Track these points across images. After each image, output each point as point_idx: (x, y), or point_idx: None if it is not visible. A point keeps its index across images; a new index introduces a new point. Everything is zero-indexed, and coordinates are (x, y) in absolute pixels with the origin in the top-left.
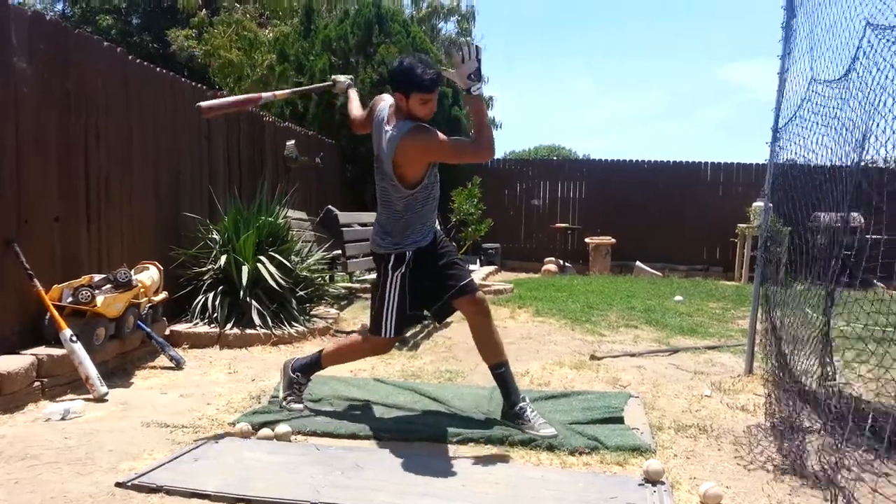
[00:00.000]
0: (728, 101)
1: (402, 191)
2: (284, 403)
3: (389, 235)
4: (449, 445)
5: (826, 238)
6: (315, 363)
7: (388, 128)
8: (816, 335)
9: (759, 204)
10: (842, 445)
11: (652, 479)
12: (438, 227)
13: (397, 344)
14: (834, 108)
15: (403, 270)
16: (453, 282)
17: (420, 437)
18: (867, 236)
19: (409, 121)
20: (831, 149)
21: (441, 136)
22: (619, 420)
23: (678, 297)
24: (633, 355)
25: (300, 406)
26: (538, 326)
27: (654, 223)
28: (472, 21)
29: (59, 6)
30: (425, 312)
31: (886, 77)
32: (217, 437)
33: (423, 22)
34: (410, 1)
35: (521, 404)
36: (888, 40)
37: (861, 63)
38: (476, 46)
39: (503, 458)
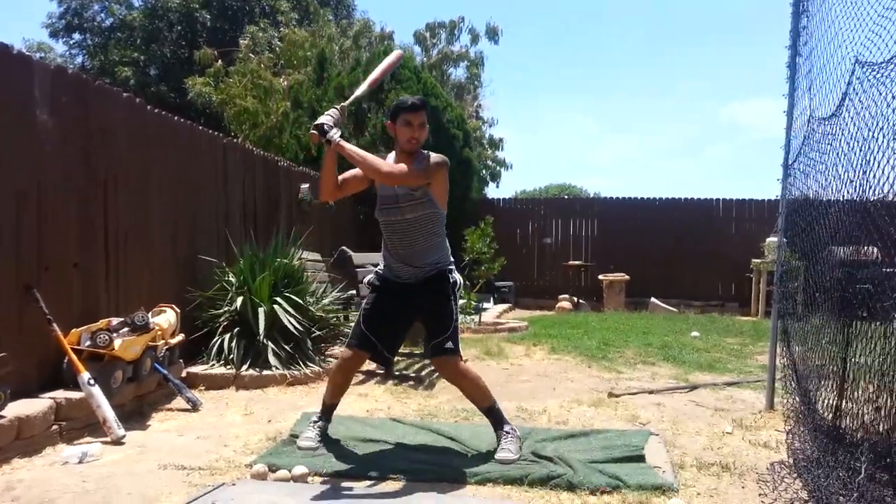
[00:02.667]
0: (733, 139)
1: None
2: (299, 442)
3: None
4: (467, 486)
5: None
6: (323, 399)
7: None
8: (835, 369)
9: (772, 239)
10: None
11: None
12: (454, 277)
13: (412, 383)
14: (828, 144)
15: (370, 288)
16: (428, 335)
17: (438, 477)
18: (885, 270)
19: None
20: (823, 184)
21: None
22: (641, 458)
23: (695, 333)
24: (651, 392)
25: (312, 444)
26: (554, 364)
27: (667, 260)
28: (481, 66)
29: (80, 59)
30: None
31: (878, 113)
32: (234, 480)
33: (434, 68)
34: (421, 48)
35: (507, 429)
36: (877, 77)
37: (850, 99)
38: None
39: (523, 499)
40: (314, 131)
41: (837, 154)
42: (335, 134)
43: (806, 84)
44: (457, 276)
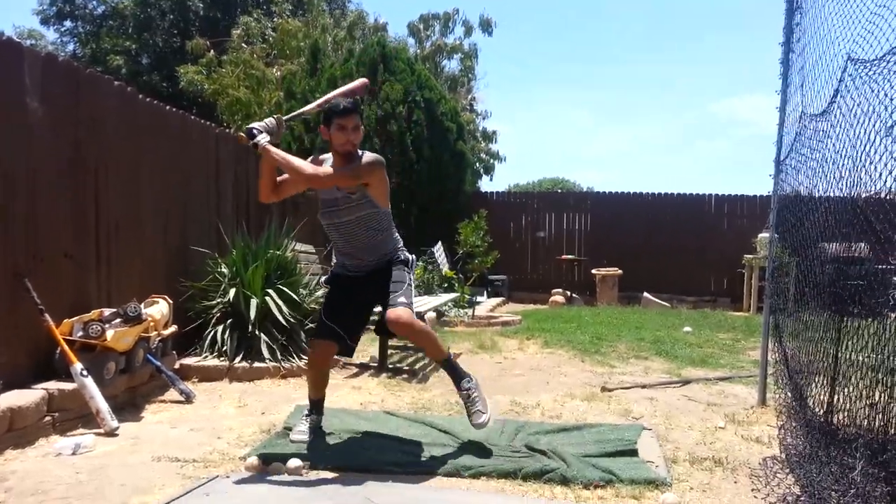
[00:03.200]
0: (726, 134)
1: None
2: (291, 435)
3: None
4: (461, 479)
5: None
6: (309, 396)
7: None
8: (827, 365)
9: (764, 235)
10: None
11: None
12: (404, 255)
13: (405, 376)
14: (819, 141)
15: (329, 283)
16: (383, 307)
17: (432, 470)
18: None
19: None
20: (813, 181)
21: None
22: (634, 453)
23: (687, 328)
24: (644, 387)
25: (304, 437)
26: (547, 358)
27: (660, 254)
28: (475, 59)
29: (71, 47)
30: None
31: (870, 109)
32: (228, 472)
33: (428, 60)
34: (415, 40)
35: (466, 385)
36: (869, 74)
37: (842, 96)
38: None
39: (516, 492)
40: (242, 133)
41: (828, 151)
42: (262, 139)
43: (798, 80)
44: (407, 255)
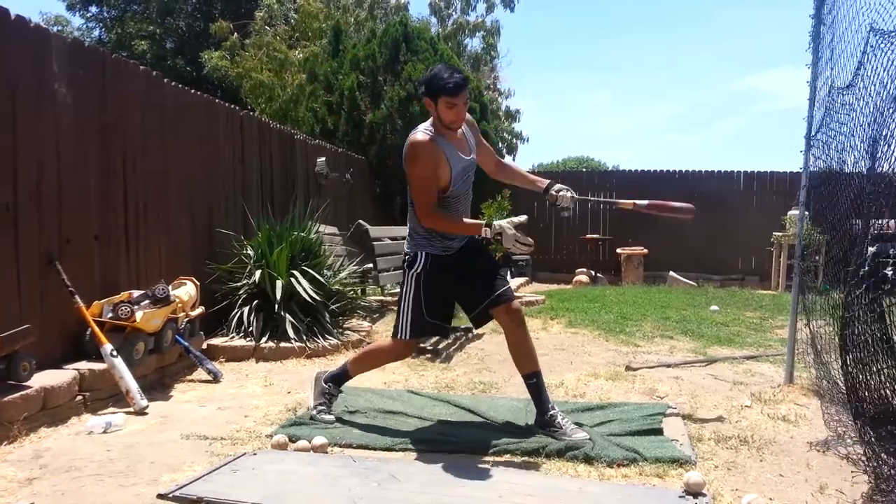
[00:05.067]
0: (749, 110)
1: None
2: (315, 414)
3: (411, 238)
4: (485, 457)
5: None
6: (344, 373)
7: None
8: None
9: (794, 212)
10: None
11: (693, 491)
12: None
13: (429, 356)
14: (846, 115)
15: (419, 271)
16: (489, 291)
17: (456, 448)
18: None
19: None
20: (842, 156)
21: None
22: (658, 431)
23: (714, 307)
24: (669, 366)
25: (330, 417)
26: (571, 337)
27: (686, 233)
28: (497, 36)
29: (97, 32)
30: (461, 324)
31: (889, 82)
32: (255, 450)
33: (450, 39)
34: (437, 19)
35: (552, 412)
36: (891, 45)
37: (864, 68)
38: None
39: (540, 470)
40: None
41: (854, 125)
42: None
43: (828, 54)
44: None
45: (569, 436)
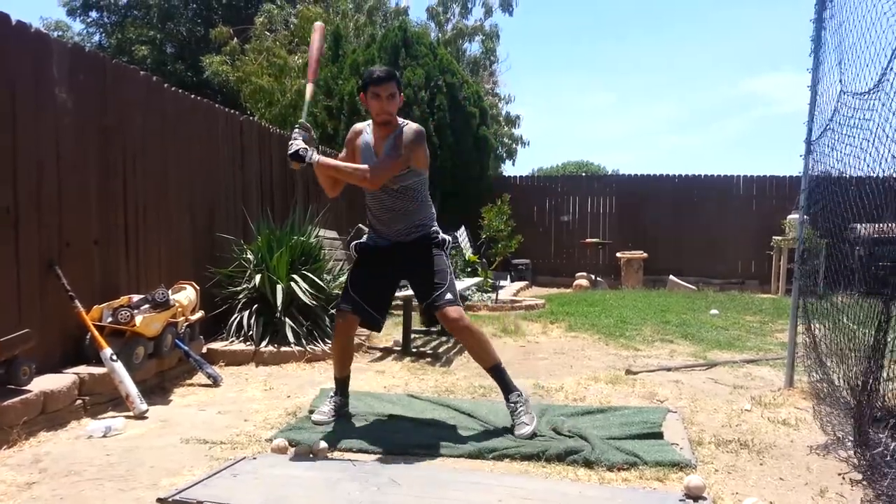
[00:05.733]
0: (749, 114)
1: None
2: (313, 416)
3: None
4: (485, 461)
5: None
6: (334, 376)
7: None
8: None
9: (794, 216)
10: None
11: (693, 495)
12: (441, 236)
13: (429, 360)
14: (865, 119)
15: (355, 256)
16: (423, 298)
17: (456, 453)
18: None
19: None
20: (863, 160)
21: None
22: (658, 435)
23: (714, 311)
24: (669, 370)
25: (324, 418)
26: (571, 341)
27: (686, 237)
28: (497, 40)
29: (97, 38)
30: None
31: None
32: (255, 454)
33: (449, 44)
34: (435, 24)
35: (514, 399)
36: None
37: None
38: (296, 130)
39: (540, 474)
40: (293, 160)
41: (874, 130)
42: (312, 155)
43: (835, 58)
44: (442, 235)
45: (518, 418)
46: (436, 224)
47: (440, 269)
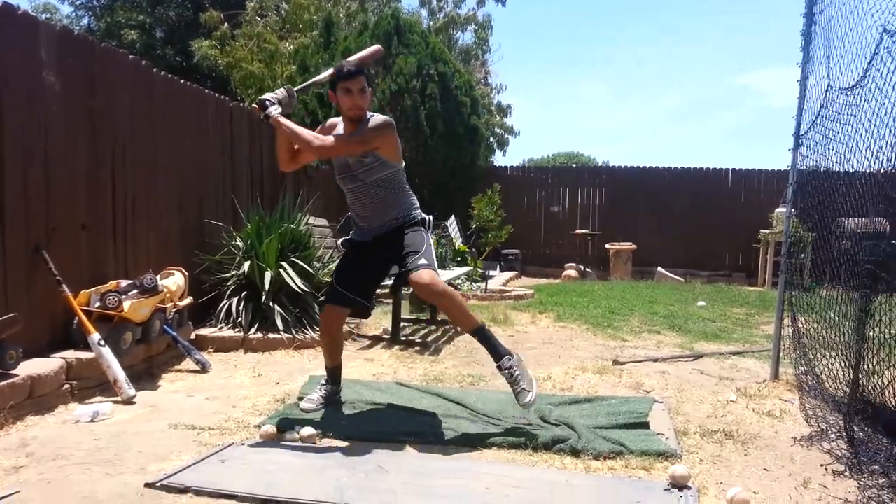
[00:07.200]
0: (741, 108)
1: None
2: (301, 403)
3: None
4: (472, 449)
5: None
6: (325, 365)
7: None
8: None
9: (781, 210)
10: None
11: (678, 484)
12: (420, 216)
13: (418, 348)
14: (849, 114)
15: (343, 251)
16: (401, 268)
17: (443, 440)
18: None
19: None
20: (845, 155)
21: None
22: (645, 425)
23: (701, 303)
24: (656, 360)
25: (312, 406)
26: (560, 331)
27: (675, 229)
28: (489, 30)
29: (86, 21)
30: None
31: None
32: (243, 440)
33: (441, 32)
34: (428, 12)
35: (507, 364)
36: None
37: (877, 69)
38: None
39: (527, 462)
40: (256, 105)
41: (859, 125)
42: (274, 110)
43: (824, 53)
44: (423, 215)
45: (518, 385)
46: (417, 211)
47: (415, 241)
